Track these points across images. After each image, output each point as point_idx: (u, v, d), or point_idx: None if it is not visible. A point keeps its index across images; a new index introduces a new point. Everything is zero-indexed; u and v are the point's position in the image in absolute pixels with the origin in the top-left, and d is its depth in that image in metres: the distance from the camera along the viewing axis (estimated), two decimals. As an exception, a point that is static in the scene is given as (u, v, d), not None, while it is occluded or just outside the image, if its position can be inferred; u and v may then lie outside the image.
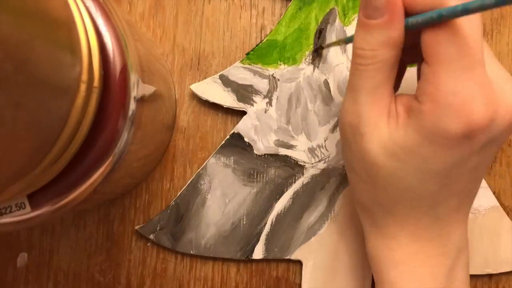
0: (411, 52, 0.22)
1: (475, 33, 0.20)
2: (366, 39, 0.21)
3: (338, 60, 0.31)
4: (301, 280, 0.32)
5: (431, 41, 0.20)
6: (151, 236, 0.31)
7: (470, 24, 0.19)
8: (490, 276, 0.32)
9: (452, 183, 0.22)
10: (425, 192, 0.22)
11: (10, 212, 0.20)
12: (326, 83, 0.31)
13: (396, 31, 0.21)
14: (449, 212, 0.23)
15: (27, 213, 0.20)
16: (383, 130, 0.22)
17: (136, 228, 0.32)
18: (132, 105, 0.21)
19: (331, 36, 0.31)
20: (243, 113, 0.32)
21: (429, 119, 0.20)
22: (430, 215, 0.23)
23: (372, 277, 0.31)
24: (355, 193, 0.25)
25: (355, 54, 0.22)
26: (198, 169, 0.32)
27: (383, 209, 0.24)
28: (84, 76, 0.19)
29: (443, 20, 0.19)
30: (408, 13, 0.21)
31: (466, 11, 0.18)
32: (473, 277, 0.32)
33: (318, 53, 0.31)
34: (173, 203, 0.32)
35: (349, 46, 0.31)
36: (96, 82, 0.19)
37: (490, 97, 0.20)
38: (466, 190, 0.23)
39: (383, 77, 0.22)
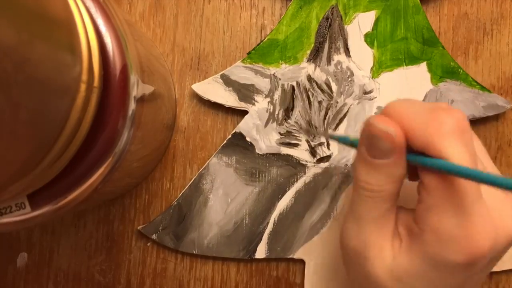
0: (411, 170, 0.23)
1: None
2: (372, 175, 0.22)
3: (339, 58, 0.31)
4: (301, 280, 0.32)
5: (430, 178, 0.21)
6: (154, 236, 0.31)
7: (467, 164, 0.20)
8: (490, 276, 0.32)
9: None
10: None
11: (10, 212, 0.20)
12: (327, 81, 0.31)
13: (402, 168, 0.22)
14: None
15: (27, 213, 0.20)
16: (387, 254, 0.22)
17: (138, 228, 0.32)
18: (132, 105, 0.21)
19: (333, 36, 0.31)
20: (244, 113, 0.32)
21: (432, 249, 0.21)
22: None
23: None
24: None
25: (359, 186, 0.22)
26: (198, 169, 0.32)
27: None
28: (84, 76, 0.19)
29: (442, 172, 0.20)
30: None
31: (469, 176, 0.19)
32: (473, 277, 0.32)
33: (319, 52, 0.31)
34: (176, 203, 0.32)
35: (351, 46, 0.32)
36: (96, 82, 0.19)
37: (489, 229, 0.20)
38: None
39: (389, 205, 0.22)
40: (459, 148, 0.20)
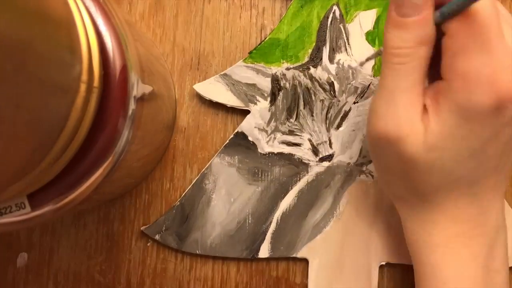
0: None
1: (492, 10, 0.20)
2: (403, 38, 0.22)
3: (341, 57, 0.31)
4: (301, 280, 0.32)
5: (454, 27, 0.21)
6: (157, 237, 0.31)
7: (487, 4, 0.20)
8: (490, 276, 0.32)
9: (488, 159, 0.23)
10: (463, 172, 0.23)
11: (10, 212, 0.20)
12: (329, 80, 0.31)
13: (430, 27, 0.21)
14: (486, 190, 0.24)
15: (27, 213, 0.20)
16: (420, 129, 0.22)
17: (141, 229, 0.32)
18: (132, 105, 0.21)
19: (333, 34, 0.31)
20: (244, 112, 0.32)
21: (461, 95, 0.21)
22: (469, 195, 0.24)
23: (378, 274, 0.31)
24: (390, 188, 0.25)
25: (390, 54, 0.22)
26: (198, 169, 0.32)
27: (421, 198, 0.24)
28: (84, 76, 0.19)
29: (466, 6, 0.20)
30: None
31: None
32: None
33: (320, 51, 0.31)
34: (178, 203, 0.32)
35: (352, 44, 0.32)
36: (96, 82, 0.19)
37: None
38: (500, 165, 0.23)
39: (419, 75, 0.22)
40: None
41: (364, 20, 0.32)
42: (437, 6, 0.22)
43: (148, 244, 0.32)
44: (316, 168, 0.31)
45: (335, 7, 0.31)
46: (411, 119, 0.22)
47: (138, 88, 0.21)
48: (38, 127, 0.17)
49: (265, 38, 0.32)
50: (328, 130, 0.31)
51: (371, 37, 0.31)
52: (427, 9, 0.21)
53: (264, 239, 0.31)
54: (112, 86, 0.20)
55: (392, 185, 0.25)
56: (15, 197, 0.20)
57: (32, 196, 0.20)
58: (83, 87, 0.19)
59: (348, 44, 0.31)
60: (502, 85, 0.20)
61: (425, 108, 0.22)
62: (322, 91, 0.31)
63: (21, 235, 0.33)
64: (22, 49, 0.15)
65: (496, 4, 0.21)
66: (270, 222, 0.31)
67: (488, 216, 0.24)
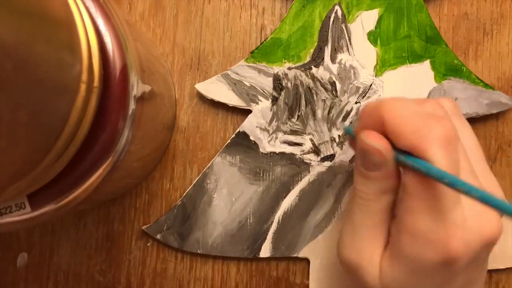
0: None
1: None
2: (367, 186, 0.23)
3: (343, 57, 0.31)
4: (301, 280, 0.32)
5: (412, 179, 0.21)
6: (158, 236, 0.31)
7: (449, 168, 0.21)
8: (490, 275, 0.32)
9: None
10: None
11: (10, 212, 0.20)
12: (331, 80, 0.31)
13: (393, 179, 0.23)
14: None
15: (27, 213, 0.20)
16: (376, 263, 0.23)
17: (143, 228, 0.32)
18: (132, 105, 0.21)
19: (335, 34, 0.31)
20: (245, 112, 0.32)
21: (408, 250, 0.22)
22: None
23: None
24: None
25: (357, 195, 0.24)
26: (198, 169, 0.32)
27: None
28: (84, 76, 0.19)
29: (426, 175, 0.21)
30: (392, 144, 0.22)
31: (452, 185, 0.19)
32: (473, 277, 0.32)
33: (322, 51, 0.31)
34: (180, 202, 0.32)
35: (354, 44, 0.32)
36: (96, 82, 0.19)
37: (466, 234, 0.21)
38: None
39: (382, 216, 0.23)
40: (442, 155, 0.20)
41: (366, 20, 0.31)
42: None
43: (148, 244, 0.32)
44: (318, 167, 0.31)
45: (337, 7, 0.31)
46: (371, 253, 0.23)
47: (138, 88, 0.21)
48: (38, 127, 0.17)
49: (266, 38, 0.32)
50: (329, 130, 0.31)
51: (373, 37, 0.31)
52: (387, 166, 0.22)
53: (265, 238, 0.31)
54: (112, 86, 0.20)
55: None
56: (15, 197, 0.20)
57: (32, 196, 0.20)
58: (83, 87, 0.19)
59: (350, 44, 0.31)
60: (450, 249, 0.21)
61: (388, 242, 0.24)
62: (324, 91, 0.31)
63: (21, 235, 0.33)
64: (22, 49, 0.15)
65: (457, 166, 0.21)
66: (272, 222, 0.31)
67: None
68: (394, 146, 0.22)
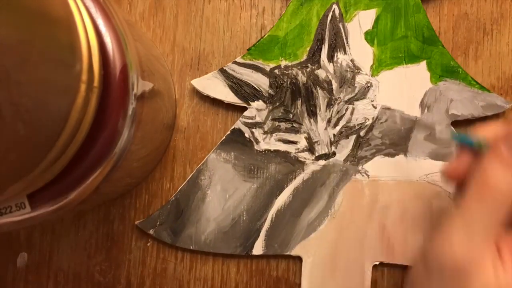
0: None
1: None
2: (508, 176, 0.21)
3: (340, 56, 0.31)
4: (301, 280, 0.32)
5: None
6: (151, 231, 0.31)
7: None
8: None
9: None
10: None
11: (10, 212, 0.20)
12: (327, 79, 0.31)
13: None
14: None
15: (27, 213, 0.20)
16: (490, 272, 0.21)
17: (136, 223, 0.32)
18: (132, 105, 0.21)
19: (332, 33, 0.31)
20: (243, 110, 0.32)
21: None
22: None
23: (371, 272, 0.31)
24: None
25: (487, 186, 0.22)
26: (198, 169, 0.32)
27: None
28: (84, 76, 0.19)
29: None
30: None
31: None
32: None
33: (319, 50, 0.32)
34: (173, 198, 0.32)
35: (351, 43, 0.32)
36: (96, 82, 0.19)
37: None
38: None
39: (504, 216, 0.21)
40: None
41: (363, 20, 0.32)
42: None
43: (148, 244, 0.32)
44: (312, 166, 0.31)
45: (334, 6, 0.31)
46: (485, 258, 0.21)
47: (138, 88, 0.21)
48: (38, 127, 0.17)
49: (264, 35, 0.32)
50: (325, 128, 0.31)
51: (370, 36, 0.32)
52: None
53: (258, 236, 0.31)
54: (112, 86, 0.20)
55: None
56: (15, 197, 0.20)
57: (32, 196, 0.20)
58: (83, 87, 0.19)
59: (347, 43, 0.31)
60: None
61: (503, 256, 0.22)
62: (320, 90, 0.31)
63: (21, 235, 0.33)
64: (22, 49, 0.15)
65: None
66: (265, 219, 0.31)
67: None
68: None
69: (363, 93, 0.31)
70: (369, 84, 0.31)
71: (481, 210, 0.21)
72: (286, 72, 0.31)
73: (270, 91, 0.31)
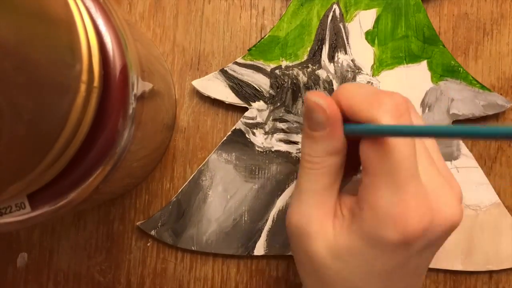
0: (355, 159, 0.24)
1: (407, 149, 0.21)
2: (312, 148, 0.23)
3: (340, 56, 0.31)
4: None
5: (368, 154, 0.22)
6: (153, 232, 0.31)
7: (403, 141, 0.21)
8: (490, 276, 0.32)
9: (394, 283, 0.23)
10: None
11: (10, 212, 0.20)
12: (328, 79, 0.31)
13: (338, 141, 0.23)
14: None
15: (27, 213, 0.20)
16: (328, 231, 0.23)
17: (137, 224, 0.32)
18: (132, 105, 0.21)
19: (333, 33, 0.31)
20: (244, 110, 0.32)
21: (368, 226, 0.22)
22: None
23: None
24: (304, 282, 0.26)
25: (303, 159, 0.24)
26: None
27: None
28: (84, 76, 0.19)
29: (377, 136, 0.21)
30: (346, 120, 0.23)
31: (396, 133, 0.20)
32: (473, 276, 0.32)
33: (319, 50, 0.32)
34: (175, 199, 0.32)
35: (351, 43, 0.32)
36: (96, 82, 0.19)
37: (424, 209, 0.21)
38: (409, 287, 0.24)
39: (329, 181, 0.23)
40: (394, 123, 0.21)
41: (364, 20, 0.32)
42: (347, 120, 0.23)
43: (148, 244, 0.32)
44: None
45: (335, 6, 0.31)
46: (320, 219, 0.23)
47: (138, 87, 0.21)
48: (38, 127, 0.17)
49: (264, 36, 0.32)
50: None
51: (370, 36, 0.32)
52: (331, 126, 0.22)
53: (260, 236, 0.31)
54: (112, 86, 0.20)
55: (305, 279, 0.25)
56: (15, 197, 0.20)
57: (32, 196, 0.20)
58: (83, 87, 0.19)
59: (348, 43, 0.31)
60: (409, 224, 0.21)
61: (342, 215, 0.23)
62: (320, 90, 0.31)
63: (21, 235, 0.33)
64: (22, 49, 0.15)
65: (414, 141, 0.22)
66: (266, 220, 0.31)
67: None
68: (346, 120, 0.23)
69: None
70: (370, 84, 0.31)
71: (307, 180, 0.24)
72: (287, 73, 0.31)
73: (271, 91, 0.31)
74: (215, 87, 0.32)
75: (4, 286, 0.32)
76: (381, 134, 0.21)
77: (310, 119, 0.23)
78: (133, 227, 0.32)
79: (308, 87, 0.31)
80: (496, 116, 0.32)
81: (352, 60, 0.32)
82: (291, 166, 0.32)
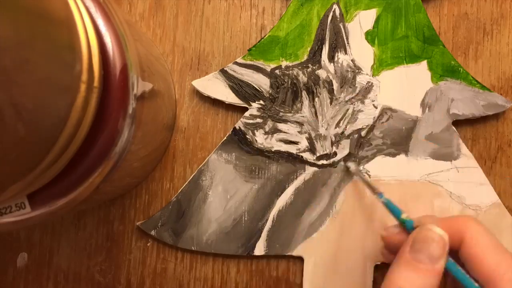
0: None
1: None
2: (411, 280, 0.22)
3: (340, 56, 0.31)
4: (301, 280, 0.32)
5: None
6: (153, 232, 0.31)
7: None
8: (490, 276, 0.32)
9: None
10: None
11: (10, 212, 0.20)
12: (328, 79, 0.31)
13: (439, 277, 0.22)
14: None
15: (27, 213, 0.20)
16: None
17: (137, 224, 0.32)
18: (132, 105, 0.21)
19: (333, 33, 0.31)
20: (244, 110, 0.32)
21: None
22: None
23: (373, 273, 0.31)
24: None
25: (394, 285, 0.22)
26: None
27: None
28: (84, 76, 0.19)
29: None
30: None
31: None
32: (473, 277, 0.32)
33: (319, 50, 0.31)
34: (175, 199, 0.32)
35: (351, 43, 0.32)
36: (96, 82, 0.19)
37: None
38: None
39: None
40: None
41: (364, 20, 0.32)
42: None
43: (148, 244, 0.32)
44: (313, 166, 0.31)
45: (335, 6, 0.31)
46: None
47: (138, 88, 0.21)
48: (38, 127, 0.17)
49: (264, 36, 0.32)
50: (326, 128, 0.31)
51: (370, 36, 0.31)
52: (442, 262, 0.21)
53: (260, 236, 0.31)
54: (112, 86, 0.20)
55: None
56: (15, 197, 0.20)
57: (32, 196, 0.20)
58: (83, 87, 0.19)
59: (348, 43, 0.31)
60: None
61: None
62: (320, 90, 0.31)
63: (21, 235, 0.33)
64: (23, 49, 0.15)
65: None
66: (266, 220, 0.31)
67: None
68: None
69: (364, 93, 0.31)
70: (370, 84, 0.31)
71: None
72: (287, 73, 0.31)
73: (271, 91, 0.31)
74: (215, 87, 0.32)
75: (4, 286, 0.32)
76: None
77: (421, 251, 0.22)
78: (133, 227, 0.32)
79: (308, 87, 0.31)
80: (496, 116, 0.32)
81: (352, 60, 0.31)
82: (291, 166, 0.32)
